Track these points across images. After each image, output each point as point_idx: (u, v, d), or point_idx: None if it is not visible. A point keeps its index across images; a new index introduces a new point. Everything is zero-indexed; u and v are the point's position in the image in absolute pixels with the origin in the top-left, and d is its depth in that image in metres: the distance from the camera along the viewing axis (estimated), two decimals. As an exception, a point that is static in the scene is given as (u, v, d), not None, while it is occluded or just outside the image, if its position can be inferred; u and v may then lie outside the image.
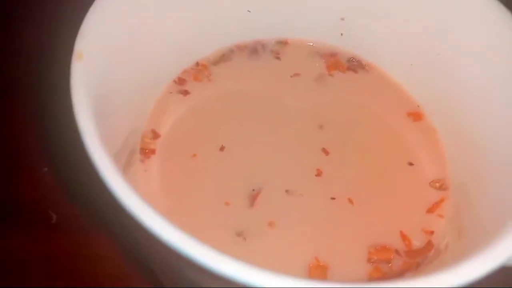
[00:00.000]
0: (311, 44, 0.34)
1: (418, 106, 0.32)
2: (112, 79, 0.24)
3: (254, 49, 0.33)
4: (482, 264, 0.18)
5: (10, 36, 0.45)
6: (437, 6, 0.29)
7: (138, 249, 0.29)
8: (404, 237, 0.27)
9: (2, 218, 0.37)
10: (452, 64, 0.29)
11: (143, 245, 0.25)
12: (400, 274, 0.25)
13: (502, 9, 0.26)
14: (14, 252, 0.35)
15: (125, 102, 0.25)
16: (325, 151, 0.29)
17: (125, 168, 0.25)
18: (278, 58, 0.33)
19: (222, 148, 0.29)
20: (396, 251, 0.26)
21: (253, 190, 0.27)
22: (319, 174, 0.28)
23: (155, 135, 0.28)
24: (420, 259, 0.26)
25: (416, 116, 0.31)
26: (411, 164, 0.29)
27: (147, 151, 0.28)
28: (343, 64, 0.33)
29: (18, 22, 0.46)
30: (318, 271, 0.24)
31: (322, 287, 0.17)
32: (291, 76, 0.33)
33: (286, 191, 0.27)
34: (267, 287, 0.16)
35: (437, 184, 0.29)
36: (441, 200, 0.28)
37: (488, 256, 0.18)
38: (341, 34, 0.33)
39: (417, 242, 0.26)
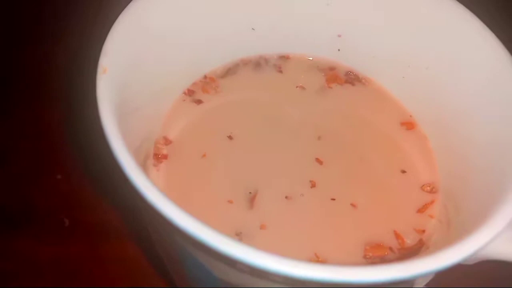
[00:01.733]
0: (311, 58, 0.36)
1: (411, 116, 0.33)
2: (129, 89, 0.26)
3: (257, 63, 0.35)
4: (456, 252, 0.20)
5: (44, 50, 0.47)
6: (422, 27, 0.31)
7: (152, 249, 0.31)
8: (397, 236, 0.28)
9: (16, 223, 0.38)
10: (440, 76, 0.31)
11: (157, 240, 0.27)
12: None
13: (483, 27, 0.29)
14: (27, 256, 0.36)
15: (140, 109, 0.27)
16: (319, 161, 0.31)
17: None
18: (280, 71, 0.35)
19: (229, 144, 0.31)
20: (390, 248, 0.28)
21: (250, 193, 0.29)
22: (313, 185, 0.30)
23: (167, 141, 0.30)
24: (412, 256, 0.28)
25: (409, 125, 0.33)
26: (403, 171, 0.31)
27: (159, 156, 0.30)
28: (341, 78, 0.35)
29: (49, 38, 0.49)
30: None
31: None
32: (295, 88, 0.34)
33: (286, 197, 0.29)
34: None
35: (428, 188, 0.30)
36: (431, 202, 0.30)
37: (463, 246, 0.20)
38: (338, 50, 0.35)
39: (409, 240, 0.28)
